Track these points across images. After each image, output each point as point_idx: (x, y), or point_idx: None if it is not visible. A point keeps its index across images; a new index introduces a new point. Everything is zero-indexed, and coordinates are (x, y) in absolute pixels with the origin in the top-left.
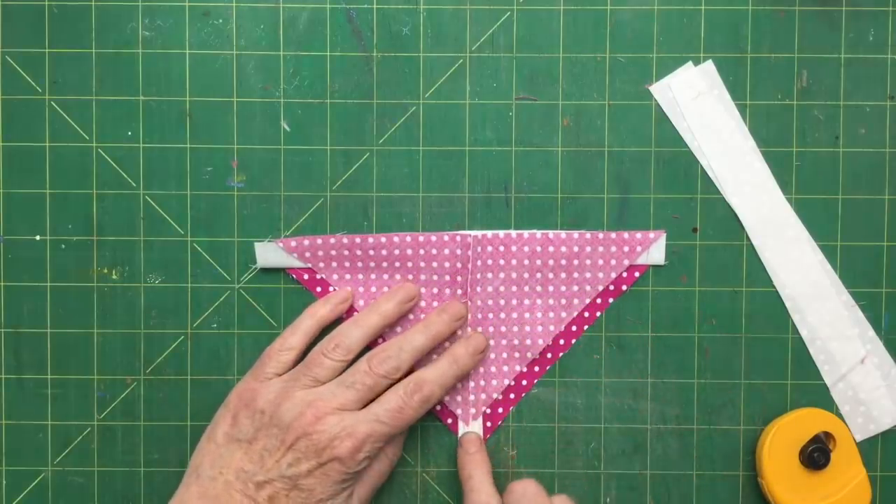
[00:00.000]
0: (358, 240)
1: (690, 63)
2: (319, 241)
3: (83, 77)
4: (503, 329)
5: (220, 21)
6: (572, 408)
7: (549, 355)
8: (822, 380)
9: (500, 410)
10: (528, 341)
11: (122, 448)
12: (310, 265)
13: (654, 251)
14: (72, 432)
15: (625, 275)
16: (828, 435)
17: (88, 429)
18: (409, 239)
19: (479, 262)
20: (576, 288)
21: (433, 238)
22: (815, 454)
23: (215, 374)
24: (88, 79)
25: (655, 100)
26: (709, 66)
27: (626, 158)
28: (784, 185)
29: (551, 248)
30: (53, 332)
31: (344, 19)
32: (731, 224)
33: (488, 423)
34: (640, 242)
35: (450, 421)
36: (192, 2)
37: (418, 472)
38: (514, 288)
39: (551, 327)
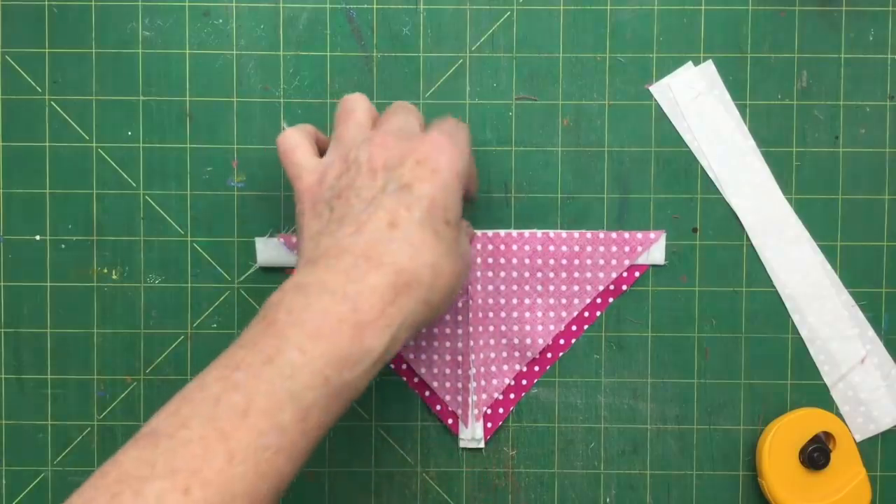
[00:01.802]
0: None
1: (690, 63)
2: None
3: (83, 77)
4: (503, 329)
5: (220, 21)
6: (572, 408)
7: (549, 355)
8: (822, 380)
9: (501, 411)
10: (528, 341)
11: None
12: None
13: (655, 251)
14: (72, 432)
15: (625, 275)
16: (828, 435)
17: (88, 429)
18: None
19: (478, 261)
20: (576, 288)
21: None
22: (815, 454)
23: None
24: (88, 79)
25: (655, 100)
26: (709, 66)
27: (626, 158)
28: (784, 185)
29: (552, 248)
30: (53, 332)
31: (344, 19)
32: (731, 224)
33: (489, 424)
34: (640, 242)
35: (450, 421)
36: (192, 2)
37: (418, 472)
38: (515, 287)
39: (551, 327)
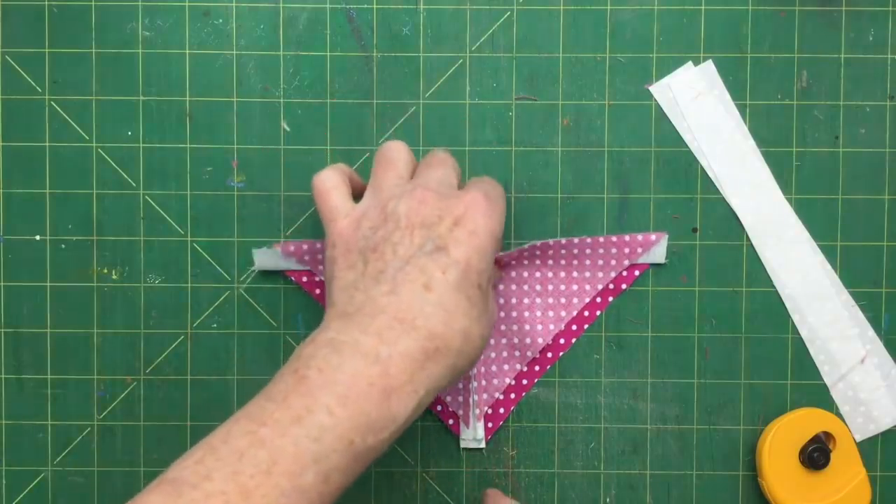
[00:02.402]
0: None
1: (690, 63)
2: (318, 244)
3: (83, 77)
4: (503, 328)
5: (220, 21)
6: (572, 408)
7: (549, 354)
8: (822, 380)
9: (502, 411)
10: (528, 340)
11: (122, 448)
12: (308, 268)
13: (655, 251)
14: (72, 432)
15: (625, 274)
16: (828, 435)
17: (88, 429)
18: None
19: None
20: (575, 287)
21: None
22: (815, 454)
23: (215, 374)
24: (88, 79)
25: (655, 100)
26: (709, 66)
27: (626, 158)
28: (784, 185)
29: (551, 252)
30: (53, 332)
31: (344, 19)
32: (731, 224)
33: (489, 424)
34: (641, 244)
35: (451, 422)
36: (192, 2)
37: (418, 473)
38: (514, 287)
39: (551, 326)
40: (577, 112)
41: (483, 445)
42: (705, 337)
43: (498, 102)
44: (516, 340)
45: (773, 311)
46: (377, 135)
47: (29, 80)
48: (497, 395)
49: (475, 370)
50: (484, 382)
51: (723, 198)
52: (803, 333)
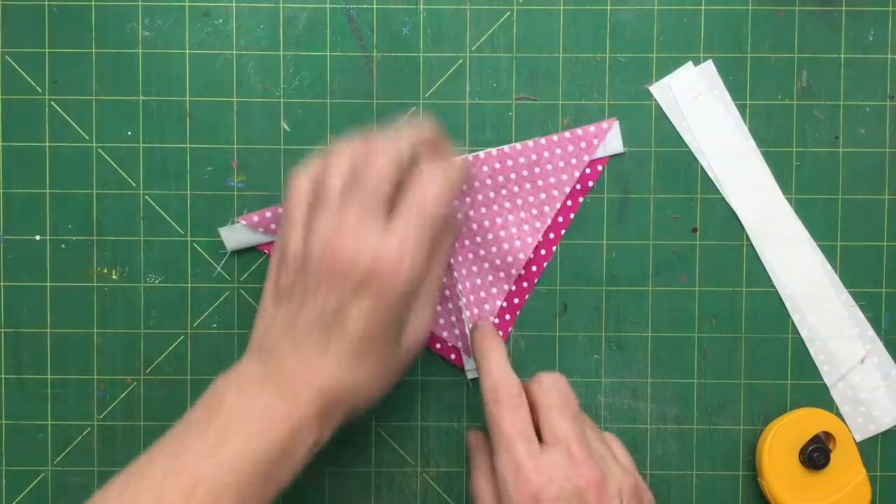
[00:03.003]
0: None
1: (690, 63)
2: (280, 209)
3: (83, 77)
4: (482, 252)
5: (220, 21)
6: None
7: (533, 268)
8: (822, 380)
9: (500, 334)
10: (510, 258)
11: (122, 448)
12: (277, 237)
13: (611, 141)
14: (72, 432)
15: (588, 171)
16: (828, 435)
17: (88, 429)
18: None
19: None
20: (543, 196)
21: None
22: (815, 454)
23: (215, 374)
24: (88, 79)
25: (655, 100)
26: (709, 66)
27: (626, 158)
28: (784, 185)
29: (510, 162)
30: (53, 332)
31: (344, 19)
32: (731, 224)
33: None
34: (594, 135)
35: (453, 356)
36: (192, 2)
37: (418, 472)
38: (484, 210)
39: (529, 239)
40: (577, 112)
41: None
42: (705, 337)
43: (498, 102)
44: (498, 262)
45: (773, 311)
46: None
47: (29, 80)
48: (492, 318)
49: (464, 300)
50: (476, 310)
51: (723, 198)
52: (803, 333)
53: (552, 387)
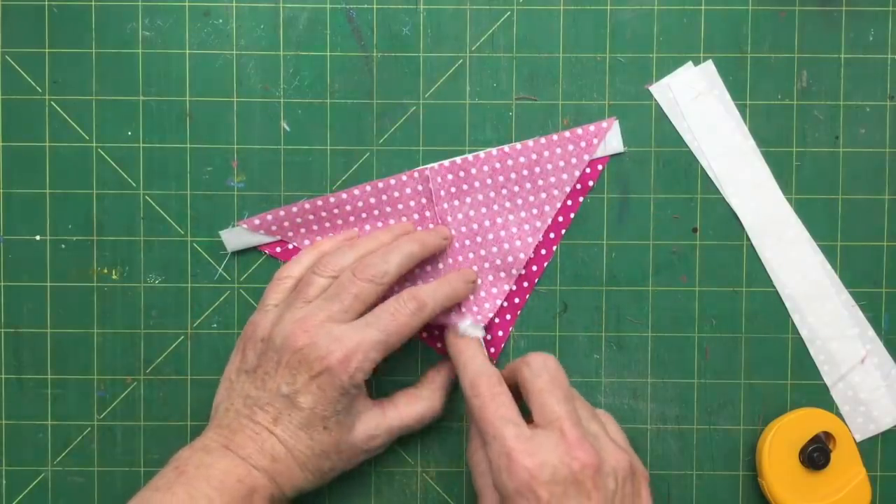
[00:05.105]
0: (320, 202)
1: (690, 63)
2: (282, 212)
3: (83, 77)
4: (483, 252)
5: (220, 21)
6: None
7: (534, 268)
8: (822, 380)
9: (500, 334)
10: (511, 258)
11: (122, 448)
12: (279, 237)
13: (611, 140)
14: (72, 432)
15: (588, 170)
16: (828, 435)
17: (88, 429)
18: (368, 188)
19: (442, 193)
20: (543, 195)
21: (392, 181)
22: (815, 454)
23: (215, 374)
24: (88, 79)
25: (655, 100)
26: (709, 66)
27: (626, 158)
28: (784, 185)
29: (510, 162)
30: (53, 332)
31: (344, 19)
32: (731, 224)
33: (492, 350)
34: (594, 135)
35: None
36: (192, 2)
37: (418, 472)
38: (484, 209)
39: (529, 239)
40: (577, 112)
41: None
42: (705, 337)
43: (498, 102)
44: (499, 261)
45: (773, 311)
46: (377, 135)
47: (29, 80)
48: (492, 316)
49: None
50: (476, 308)
51: (723, 198)
52: (803, 333)
53: (542, 368)
